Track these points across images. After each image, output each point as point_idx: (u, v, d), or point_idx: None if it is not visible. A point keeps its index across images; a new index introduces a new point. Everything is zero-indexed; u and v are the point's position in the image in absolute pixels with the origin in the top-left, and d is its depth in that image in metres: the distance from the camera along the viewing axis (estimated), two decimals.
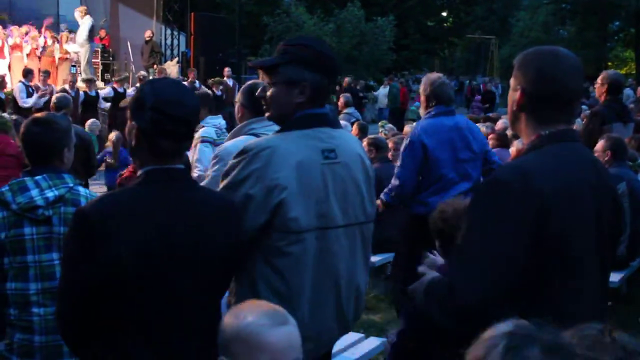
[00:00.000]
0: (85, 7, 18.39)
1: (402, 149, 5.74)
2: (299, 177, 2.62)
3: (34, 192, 3.19)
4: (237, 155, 2.70)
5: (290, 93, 2.73)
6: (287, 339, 2.02)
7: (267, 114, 2.85)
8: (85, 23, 17.73)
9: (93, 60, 19.13)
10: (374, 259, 6.89)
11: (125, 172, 4.66)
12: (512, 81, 2.36)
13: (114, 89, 16.02)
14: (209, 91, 17.18)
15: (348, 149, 2.81)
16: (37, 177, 3.23)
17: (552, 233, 2.12)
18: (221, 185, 2.71)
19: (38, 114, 3.58)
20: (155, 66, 19.11)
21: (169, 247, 2.27)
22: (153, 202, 2.31)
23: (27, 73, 14.86)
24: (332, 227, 2.72)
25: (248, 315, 2.03)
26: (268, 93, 2.78)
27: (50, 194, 3.20)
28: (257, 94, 2.88)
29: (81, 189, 3.33)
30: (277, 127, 3.44)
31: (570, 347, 1.29)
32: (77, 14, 18.03)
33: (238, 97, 3.96)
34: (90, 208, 2.29)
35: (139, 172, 2.38)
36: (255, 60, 2.92)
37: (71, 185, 3.28)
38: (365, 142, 7.73)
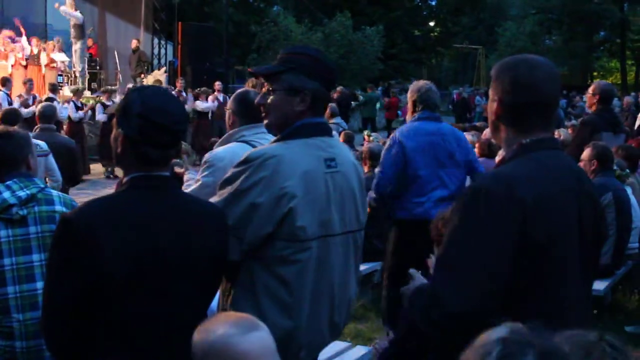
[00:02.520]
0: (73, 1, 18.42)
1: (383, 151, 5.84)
2: (306, 186, 2.62)
3: (6, 194, 3.22)
4: (239, 164, 2.68)
5: (291, 101, 2.72)
6: (260, 344, 1.98)
7: (265, 122, 2.83)
8: (77, 15, 17.71)
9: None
10: (361, 267, 6.90)
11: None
12: (490, 92, 2.39)
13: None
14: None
15: (345, 158, 2.83)
16: (7, 182, 3.28)
17: (535, 241, 2.12)
18: (220, 194, 2.67)
19: None
20: (142, 75, 19.10)
21: (155, 253, 2.26)
22: (138, 208, 2.31)
23: (6, 82, 14.62)
24: (331, 235, 2.73)
25: (217, 328, 1.99)
26: (268, 100, 2.77)
27: (22, 194, 3.23)
28: (256, 101, 2.86)
29: (52, 191, 3.38)
30: (267, 135, 3.47)
31: (564, 354, 1.27)
32: (67, 6, 17.97)
33: (229, 104, 3.97)
34: (75, 215, 2.28)
35: (124, 179, 2.39)
36: (258, 67, 2.92)
37: (42, 186, 3.33)
38: (364, 150, 7.90)
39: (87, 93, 18.20)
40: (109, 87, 17.61)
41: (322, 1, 37.05)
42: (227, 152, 3.65)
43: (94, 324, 2.26)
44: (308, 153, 2.69)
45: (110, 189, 11.92)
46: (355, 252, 2.90)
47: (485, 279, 2.11)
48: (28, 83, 15.11)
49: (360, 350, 5.01)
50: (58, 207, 3.29)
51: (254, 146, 3.50)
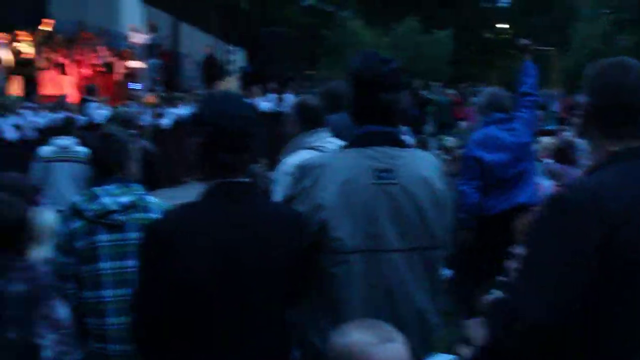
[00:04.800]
0: (152, 22, 18.65)
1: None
2: (344, 197, 2.58)
3: (106, 199, 3.29)
4: (295, 172, 2.75)
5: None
6: (395, 356, 1.98)
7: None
8: (147, 38, 17.98)
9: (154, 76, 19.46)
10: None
11: None
12: (582, 94, 2.31)
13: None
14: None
15: (410, 171, 2.68)
16: (106, 186, 3.35)
17: (620, 254, 2.04)
18: (280, 200, 2.76)
19: (99, 129, 3.75)
20: (215, 82, 19.34)
21: (234, 259, 2.32)
22: (216, 215, 2.36)
23: (90, 90, 15.04)
24: (384, 250, 2.63)
25: (354, 333, 2.02)
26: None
27: (124, 199, 3.31)
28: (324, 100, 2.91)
29: (150, 198, 3.44)
30: (332, 139, 3.50)
31: None
32: (142, 28, 18.27)
33: (290, 111, 4.05)
34: (157, 223, 2.43)
35: (202, 187, 2.44)
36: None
37: (141, 192, 3.41)
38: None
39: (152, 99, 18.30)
40: (181, 93, 17.87)
41: (392, 5, 36.87)
42: (298, 159, 3.63)
43: (178, 325, 2.34)
44: (355, 163, 2.65)
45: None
46: (428, 270, 2.72)
47: (568, 291, 2.03)
48: (101, 90, 15.42)
49: (444, 358, 4.92)
50: (155, 215, 3.28)
51: (322, 152, 3.53)
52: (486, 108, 5.81)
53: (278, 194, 3.66)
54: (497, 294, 2.45)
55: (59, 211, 3.66)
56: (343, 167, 2.63)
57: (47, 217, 4.17)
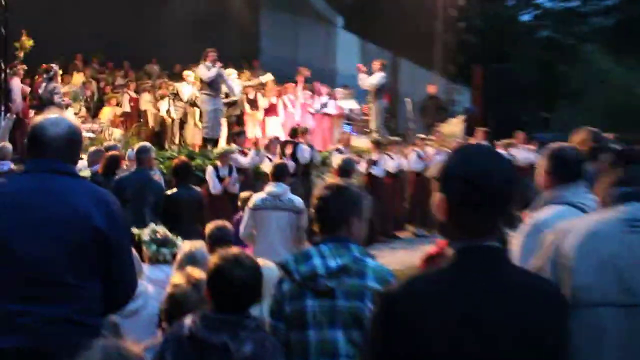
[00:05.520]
0: (381, 61, 19.01)
1: None
2: (590, 247, 2.66)
3: (317, 261, 3.37)
4: (545, 230, 2.87)
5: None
6: None
7: None
8: (377, 76, 18.32)
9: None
10: None
11: (433, 249, 4.73)
12: None
13: None
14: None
15: None
16: (321, 246, 3.43)
17: None
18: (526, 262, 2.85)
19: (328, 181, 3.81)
20: (437, 124, 19.39)
21: (485, 340, 2.25)
22: (463, 286, 2.31)
23: (296, 132, 15.28)
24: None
25: None
26: None
27: (332, 263, 3.35)
28: None
29: (370, 261, 3.43)
30: (590, 195, 3.42)
31: None
32: (373, 67, 18.54)
33: (540, 161, 4.02)
34: (398, 291, 2.38)
35: (450, 252, 2.39)
36: None
37: (357, 255, 3.40)
38: None
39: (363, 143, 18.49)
40: (396, 137, 18.02)
41: None
42: (555, 216, 3.62)
43: None
44: (605, 215, 2.77)
45: (417, 249, 12.43)
46: None
47: None
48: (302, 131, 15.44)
49: None
50: (370, 283, 3.34)
51: (582, 210, 3.57)
52: None
53: (524, 255, 3.61)
54: None
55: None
56: (591, 219, 2.78)
57: (267, 273, 4.32)
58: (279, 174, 8.34)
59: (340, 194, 3.50)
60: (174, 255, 5.35)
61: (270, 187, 8.23)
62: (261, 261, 4.70)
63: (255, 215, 8.15)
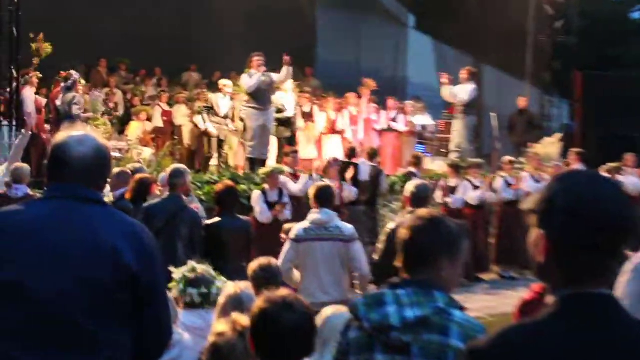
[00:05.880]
0: (471, 69, 18.78)
1: None
2: None
3: (391, 309, 3.33)
4: None
5: None
6: None
7: None
8: (467, 89, 18.07)
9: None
10: None
11: (529, 295, 4.70)
12: None
13: None
14: None
15: None
16: (399, 290, 3.39)
17: None
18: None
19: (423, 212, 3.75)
20: (528, 144, 19.22)
21: None
22: (573, 343, 2.28)
23: (354, 152, 15.23)
24: None
25: None
26: None
27: (409, 313, 3.31)
28: None
29: (457, 313, 3.38)
30: None
31: None
32: (460, 76, 18.37)
33: None
34: (488, 346, 2.36)
35: (551, 299, 2.38)
36: None
37: (441, 306, 3.35)
38: None
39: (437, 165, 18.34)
40: (479, 159, 17.77)
41: None
42: None
43: None
44: None
45: (502, 294, 12.29)
46: None
47: None
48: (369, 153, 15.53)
49: None
50: (453, 341, 3.29)
51: None
52: None
53: (630, 302, 3.57)
54: None
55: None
56: None
57: (333, 319, 4.33)
58: (324, 198, 8.18)
59: (434, 228, 3.46)
60: (204, 297, 5.38)
61: (314, 215, 8.15)
62: (332, 308, 4.70)
63: (298, 248, 8.05)
